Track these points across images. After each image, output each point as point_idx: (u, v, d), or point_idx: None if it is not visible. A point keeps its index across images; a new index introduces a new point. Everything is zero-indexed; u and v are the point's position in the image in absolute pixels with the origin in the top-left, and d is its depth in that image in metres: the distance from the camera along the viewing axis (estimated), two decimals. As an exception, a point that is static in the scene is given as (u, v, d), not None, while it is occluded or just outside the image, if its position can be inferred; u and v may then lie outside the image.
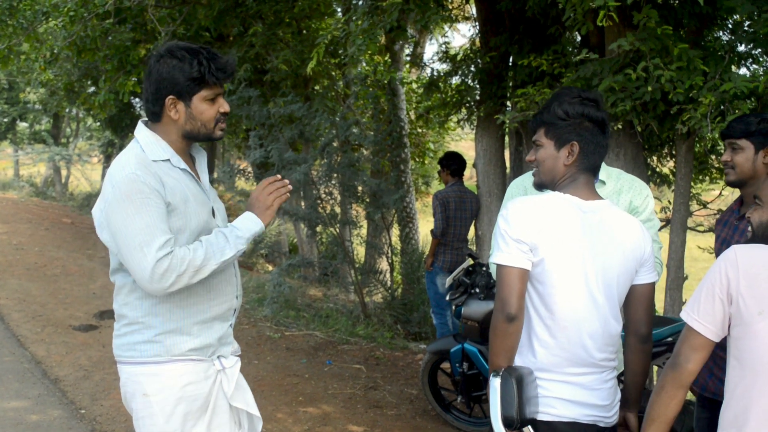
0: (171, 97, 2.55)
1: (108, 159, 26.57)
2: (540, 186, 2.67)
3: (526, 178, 3.43)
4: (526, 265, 2.41)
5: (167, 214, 2.47)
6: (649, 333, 2.59)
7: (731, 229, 3.22)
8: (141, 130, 2.61)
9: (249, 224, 2.60)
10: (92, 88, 13.04)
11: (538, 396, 2.38)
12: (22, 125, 27.66)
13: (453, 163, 7.23)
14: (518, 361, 2.47)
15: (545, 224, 2.42)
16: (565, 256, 2.42)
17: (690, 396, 4.13)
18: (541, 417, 2.42)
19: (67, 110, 21.67)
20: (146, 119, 2.67)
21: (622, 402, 2.59)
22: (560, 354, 2.44)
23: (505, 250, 2.42)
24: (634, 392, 2.61)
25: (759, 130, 3.11)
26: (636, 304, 2.59)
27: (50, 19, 8.15)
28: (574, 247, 2.43)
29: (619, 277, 2.49)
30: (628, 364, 2.61)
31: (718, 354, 2.87)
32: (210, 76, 2.58)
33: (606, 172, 3.21)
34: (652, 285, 2.63)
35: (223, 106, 2.66)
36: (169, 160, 2.57)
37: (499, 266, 2.43)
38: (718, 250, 3.27)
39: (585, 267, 2.43)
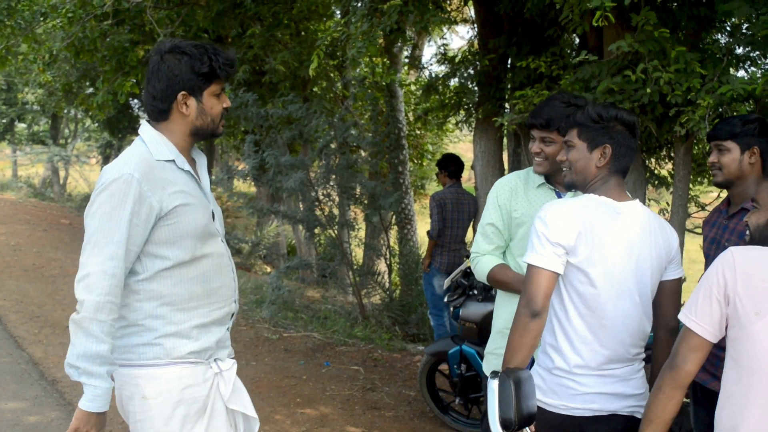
0: (183, 92, 2.53)
1: (106, 160, 26.57)
2: (570, 186, 2.76)
3: (513, 178, 3.40)
4: (559, 269, 2.50)
5: (165, 217, 2.46)
6: (677, 327, 2.67)
7: (720, 229, 3.29)
8: (147, 130, 2.58)
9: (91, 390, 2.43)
10: (90, 89, 13.03)
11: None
12: (21, 126, 27.66)
13: (451, 165, 7.24)
14: (557, 361, 2.57)
15: (584, 227, 2.50)
16: (605, 257, 2.51)
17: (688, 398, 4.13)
18: (582, 413, 2.53)
19: (65, 111, 21.68)
20: (148, 119, 2.64)
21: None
22: (601, 351, 2.54)
23: (541, 251, 2.49)
24: None
25: (744, 131, 3.19)
26: (665, 298, 2.71)
27: (48, 19, 8.15)
28: (612, 248, 2.52)
29: (652, 274, 2.60)
30: (658, 358, 2.69)
31: (714, 353, 2.89)
32: (221, 70, 2.57)
33: None
34: (680, 280, 2.74)
35: (226, 101, 2.66)
36: (174, 161, 2.55)
37: (530, 265, 2.50)
38: (707, 250, 3.34)
39: (623, 266, 2.53)
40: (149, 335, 2.53)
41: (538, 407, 2.54)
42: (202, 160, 2.76)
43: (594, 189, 2.64)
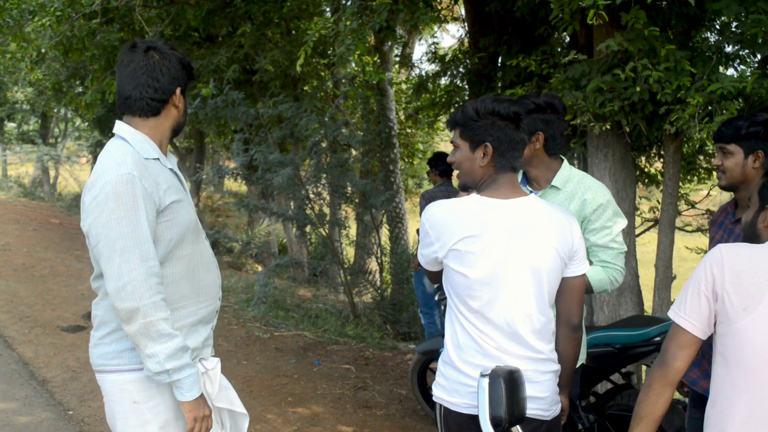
0: (179, 88, 2.55)
1: (96, 159, 26.50)
2: (463, 187, 2.70)
3: None
4: (437, 267, 2.61)
5: (162, 214, 2.44)
6: (579, 323, 2.67)
7: (726, 233, 3.18)
8: (126, 129, 2.51)
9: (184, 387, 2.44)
10: (80, 88, 12.99)
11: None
12: (10, 125, 27.54)
13: (442, 164, 7.24)
14: (455, 359, 2.55)
15: (458, 228, 2.47)
16: (482, 257, 2.45)
17: (678, 396, 4.14)
18: (469, 410, 2.47)
19: (55, 110, 21.59)
20: (125, 117, 2.57)
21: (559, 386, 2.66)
22: (492, 351, 2.48)
23: (422, 251, 2.63)
24: (565, 376, 2.70)
25: (749, 134, 3.04)
26: (567, 295, 2.64)
27: (37, 18, 8.11)
28: (489, 248, 2.45)
29: (547, 272, 2.51)
30: (561, 353, 2.66)
31: (710, 353, 2.89)
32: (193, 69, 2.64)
33: (564, 177, 3.15)
34: (583, 277, 2.66)
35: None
36: (158, 159, 2.52)
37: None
38: None
39: (505, 264, 2.45)
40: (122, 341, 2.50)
41: (444, 408, 2.55)
42: (172, 159, 2.71)
43: (482, 189, 2.57)
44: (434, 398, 2.61)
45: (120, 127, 2.54)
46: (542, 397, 2.53)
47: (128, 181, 2.33)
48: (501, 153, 2.52)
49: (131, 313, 2.31)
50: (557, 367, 2.62)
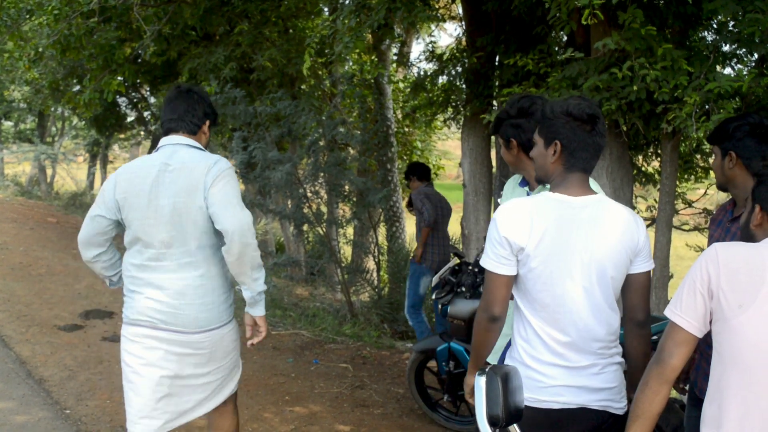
0: (208, 121, 3.54)
1: (93, 158, 26.42)
2: (539, 181, 2.77)
3: (515, 176, 3.46)
4: (512, 272, 2.56)
5: None
6: (645, 319, 2.69)
7: (724, 231, 3.19)
8: (187, 139, 3.42)
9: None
10: (77, 87, 12.96)
11: (523, 391, 2.40)
12: (7, 124, 27.47)
13: (417, 168, 7.52)
14: (524, 354, 2.61)
15: (536, 225, 2.51)
16: (558, 254, 2.51)
17: (675, 395, 4.15)
18: (551, 406, 2.55)
19: (52, 109, 21.53)
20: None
21: (627, 386, 2.69)
22: (562, 345, 2.55)
23: (492, 255, 2.57)
24: (637, 375, 2.66)
25: (723, 135, 3.09)
26: (633, 292, 2.67)
27: (35, 17, 8.10)
28: (566, 244, 2.51)
29: (616, 267, 2.57)
30: (629, 350, 2.70)
31: (709, 353, 2.89)
32: None
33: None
34: (648, 273, 2.69)
35: None
36: None
37: (486, 270, 2.60)
38: None
39: (580, 262, 2.52)
40: (230, 299, 3.52)
41: None
42: None
43: (554, 186, 2.63)
44: None
45: (180, 137, 3.41)
46: (610, 387, 2.59)
47: (230, 167, 3.34)
48: (570, 152, 2.58)
49: (245, 246, 3.22)
50: (621, 360, 2.68)
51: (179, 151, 3.32)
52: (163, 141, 3.39)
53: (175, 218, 3.21)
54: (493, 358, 3.57)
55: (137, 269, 3.32)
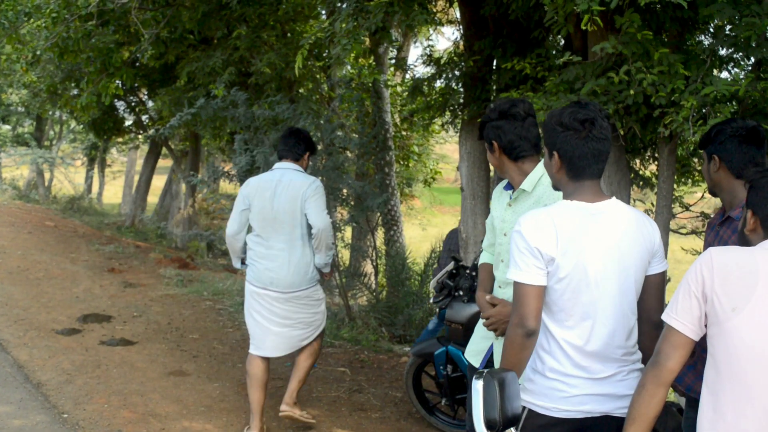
0: (308, 153, 5.24)
1: (92, 162, 26.42)
2: (555, 188, 2.75)
3: (504, 182, 3.48)
4: (543, 282, 2.51)
5: None
6: (660, 320, 2.66)
7: (714, 234, 3.23)
8: (292, 164, 5.13)
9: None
10: (75, 91, 12.96)
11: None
12: (5, 127, 27.47)
13: None
14: (547, 363, 2.58)
15: (561, 234, 2.49)
16: (585, 261, 2.50)
17: (672, 398, 4.15)
18: (574, 416, 2.53)
19: (50, 112, 21.53)
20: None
21: None
22: (587, 353, 2.54)
23: (524, 267, 2.51)
24: None
25: (707, 139, 3.14)
26: (649, 293, 2.68)
27: (32, 20, 8.10)
28: (592, 251, 2.51)
29: (636, 271, 2.58)
30: (644, 350, 2.69)
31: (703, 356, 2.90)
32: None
33: (533, 180, 3.22)
34: (664, 274, 2.72)
35: None
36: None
37: (516, 283, 2.52)
38: None
39: (604, 268, 2.52)
40: (314, 271, 5.13)
41: (530, 410, 2.56)
42: None
43: (567, 194, 2.62)
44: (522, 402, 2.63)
45: (288, 165, 5.10)
46: (630, 395, 2.55)
47: (320, 184, 5.06)
48: (570, 161, 2.58)
49: (328, 236, 5.00)
50: (642, 366, 2.66)
51: (288, 173, 5.02)
52: (277, 165, 5.12)
53: (284, 216, 4.94)
54: (475, 360, 3.60)
55: (257, 246, 5.06)
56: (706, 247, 3.28)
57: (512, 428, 2.30)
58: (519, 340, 2.47)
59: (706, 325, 2.17)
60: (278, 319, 5.05)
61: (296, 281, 5.00)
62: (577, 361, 2.54)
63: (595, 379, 2.54)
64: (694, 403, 3.19)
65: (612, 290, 2.53)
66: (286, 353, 5.19)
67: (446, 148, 20.55)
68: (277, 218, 4.94)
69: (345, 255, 10.70)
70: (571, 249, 2.48)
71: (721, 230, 3.14)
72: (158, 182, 22.91)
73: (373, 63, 10.96)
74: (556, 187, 2.74)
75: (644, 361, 2.71)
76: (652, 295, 2.69)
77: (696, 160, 7.06)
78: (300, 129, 5.30)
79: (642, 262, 2.59)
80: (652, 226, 2.66)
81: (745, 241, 2.30)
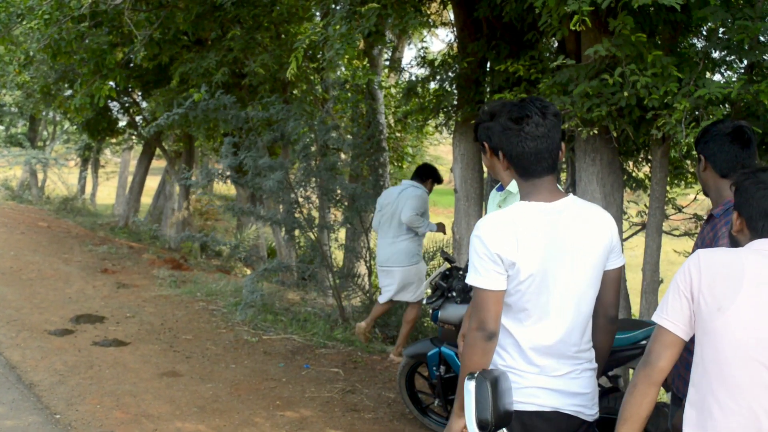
0: (430, 180, 7.19)
1: (85, 162, 26.35)
2: (501, 188, 2.73)
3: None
4: (503, 286, 2.47)
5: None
6: (616, 315, 2.71)
7: (700, 233, 3.27)
8: (414, 182, 7.09)
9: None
10: (69, 91, 12.93)
11: (511, 394, 2.41)
12: (-2, 128, 27.38)
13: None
14: (504, 356, 2.58)
15: (518, 235, 2.46)
16: (542, 260, 2.47)
17: (664, 398, 4.16)
18: (525, 408, 2.51)
19: (43, 113, 21.47)
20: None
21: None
22: (542, 349, 2.53)
23: (482, 272, 2.47)
24: (599, 367, 2.73)
25: (697, 140, 3.16)
26: (606, 288, 2.66)
27: (25, 21, 8.09)
28: (549, 249, 2.48)
29: (595, 269, 2.56)
30: (597, 343, 2.70)
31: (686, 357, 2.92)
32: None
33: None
34: (621, 269, 2.71)
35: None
36: None
37: (476, 288, 2.49)
38: None
39: (561, 266, 2.50)
40: (413, 253, 7.13)
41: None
42: None
43: (524, 195, 2.58)
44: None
45: (411, 182, 7.11)
46: (584, 393, 2.58)
47: (418, 194, 7.01)
48: (512, 160, 2.55)
49: (413, 226, 6.90)
50: (596, 365, 2.67)
51: (408, 188, 7.06)
52: (404, 182, 7.21)
53: (391, 211, 7.04)
54: None
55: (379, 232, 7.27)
56: (694, 248, 3.32)
57: (504, 429, 2.30)
58: (480, 344, 2.44)
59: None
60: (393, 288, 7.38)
61: (398, 260, 7.19)
62: (531, 359, 2.53)
63: (548, 376, 2.53)
64: (677, 401, 3.22)
65: (572, 290, 2.52)
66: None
67: (440, 150, 20.58)
68: (385, 214, 7.27)
69: (338, 256, 10.70)
70: (532, 252, 2.45)
71: (705, 229, 3.17)
72: (152, 183, 22.85)
73: (367, 65, 10.96)
74: (502, 188, 2.72)
75: (597, 355, 2.71)
76: (609, 290, 2.67)
77: (689, 162, 7.09)
78: (427, 164, 7.63)
79: (601, 259, 2.58)
80: (610, 222, 2.63)
81: (735, 243, 2.34)
